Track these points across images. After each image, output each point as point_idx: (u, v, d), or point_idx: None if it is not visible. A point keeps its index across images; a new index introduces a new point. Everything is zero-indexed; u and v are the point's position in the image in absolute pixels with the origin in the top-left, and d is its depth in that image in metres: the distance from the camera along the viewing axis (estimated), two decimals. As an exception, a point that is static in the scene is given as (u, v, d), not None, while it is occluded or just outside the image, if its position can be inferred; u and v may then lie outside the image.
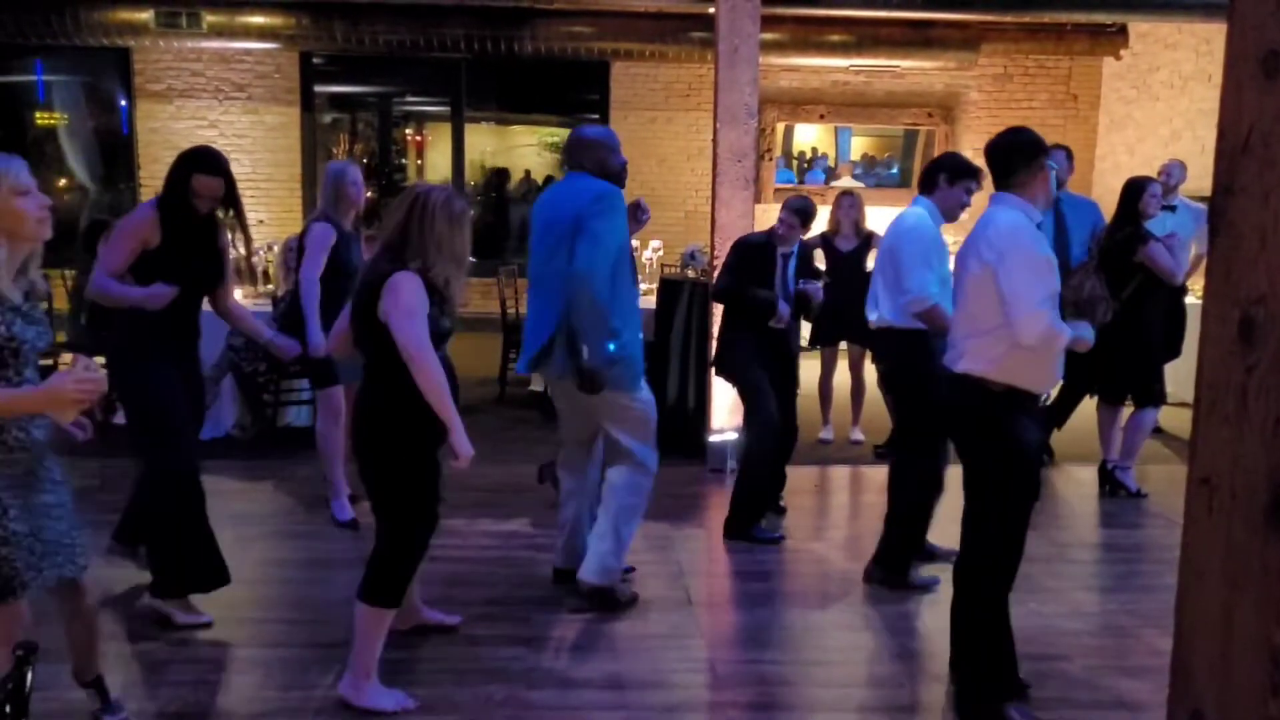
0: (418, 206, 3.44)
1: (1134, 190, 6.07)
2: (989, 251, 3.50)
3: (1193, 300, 7.00)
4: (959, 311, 3.72)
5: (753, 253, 5.41)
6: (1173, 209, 6.91)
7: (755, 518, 5.43)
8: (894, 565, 4.83)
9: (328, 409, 5.39)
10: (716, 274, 5.68)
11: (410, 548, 3.62)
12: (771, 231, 5.46)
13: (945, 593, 4.74)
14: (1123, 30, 10.84)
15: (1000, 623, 3.65)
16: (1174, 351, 6.57)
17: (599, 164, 4.33)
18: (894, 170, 11.93)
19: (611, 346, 4.18)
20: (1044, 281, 3.45)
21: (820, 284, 5.55)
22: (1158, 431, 7.44)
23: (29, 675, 1.66)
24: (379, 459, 3.52)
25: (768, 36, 8.70)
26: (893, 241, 4.81)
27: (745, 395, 5.42)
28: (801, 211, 5.40)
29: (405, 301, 3.35)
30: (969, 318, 3.62)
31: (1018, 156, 3.64)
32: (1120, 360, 6.09)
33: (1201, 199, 7.19)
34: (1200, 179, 7.57)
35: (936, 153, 11.45)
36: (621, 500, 4.45)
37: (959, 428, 3.71)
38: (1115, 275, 5.99)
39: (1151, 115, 10.51)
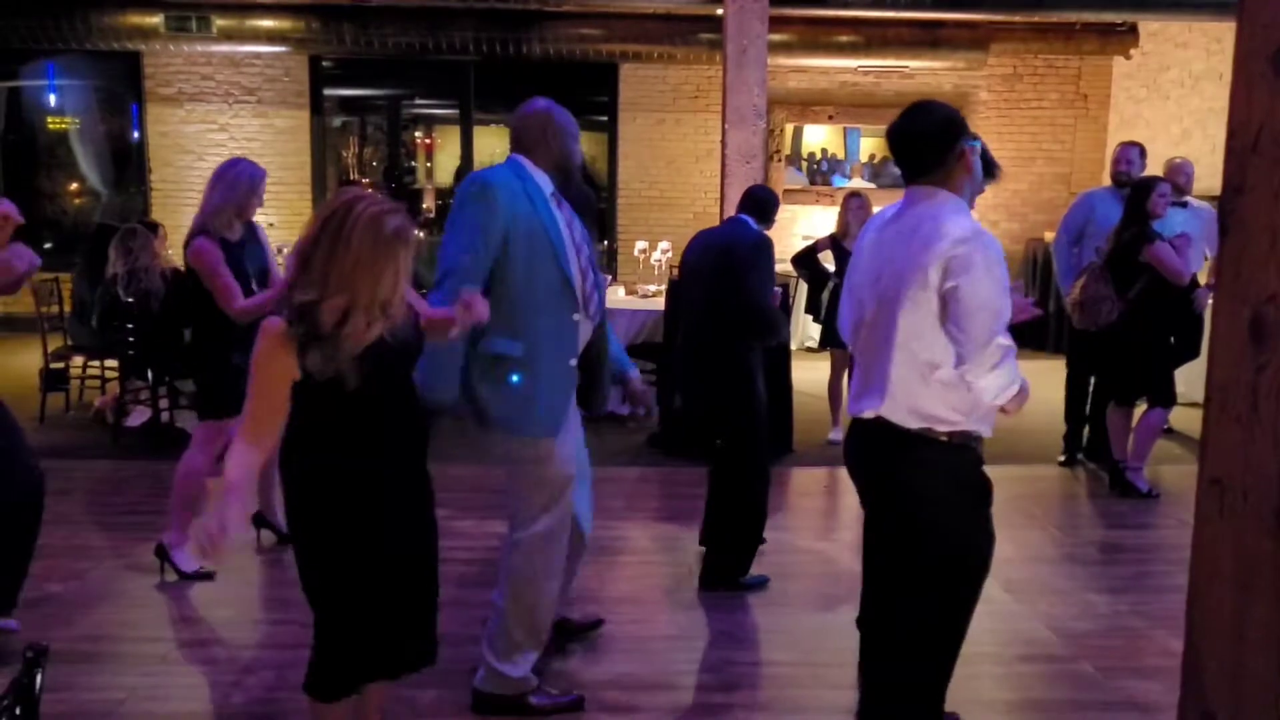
0: (332, 224, 2.63)
1: (1142, 190, 6.05)
2: (927, 264, 2.69)
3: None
4: (879, 344, 2.85)
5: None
6: (1184, 205, 6.88)
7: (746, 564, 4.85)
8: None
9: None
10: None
11: (344, 637, 2.89)
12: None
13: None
14: (1133, 29, 10.81)
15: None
16: (1194, 351, 6.54)
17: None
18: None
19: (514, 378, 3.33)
20: (1001, 300, 2.70)
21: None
22: (1169, 431, 7.41)
23: (39, 677, 1.67)
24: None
25: (776, 37, 8.68)
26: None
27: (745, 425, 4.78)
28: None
29: (252, 358, 2.66)
30: (903, 349, 2.78)
31: (934, 144, 2.85)
32: (1129, 360, 6.08)
33: (1212, 199, 7.19)
34: (1211, 178, 7.55)
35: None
36: (506, 584, 3.52)
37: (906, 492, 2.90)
38: (1122, 275, 6.00)
39: (1162, 114, 10.48)
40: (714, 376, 4.65)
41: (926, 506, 2.86)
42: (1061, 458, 6.86)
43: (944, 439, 2.83)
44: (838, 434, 7.32)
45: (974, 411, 2.82)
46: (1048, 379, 8.13)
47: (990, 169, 2.98)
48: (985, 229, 2.81)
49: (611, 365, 3.72)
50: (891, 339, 2.78)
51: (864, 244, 3.01)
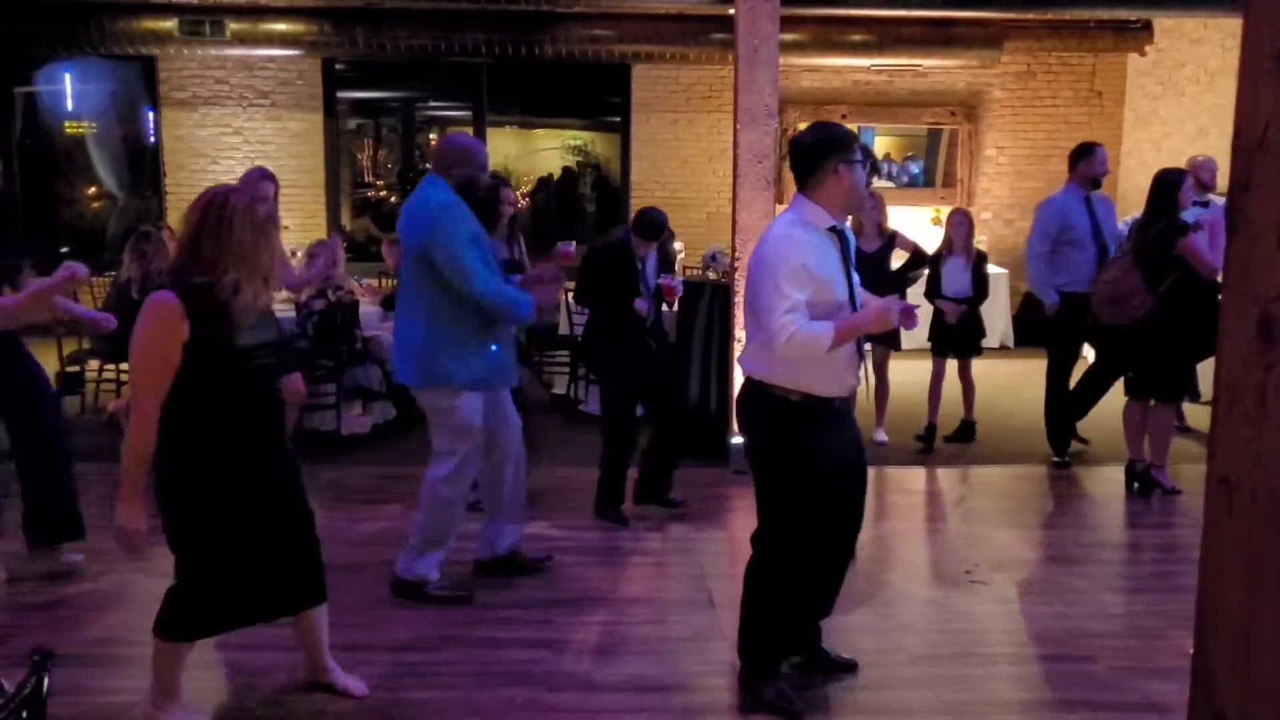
0: (212, 212, 3.12)
1: (1171, 183, 5.97)
2: (754, 259, 3.51)
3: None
4: (746, 314, 3.73)
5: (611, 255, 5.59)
6: (1205, 204, 6.84)
7: (613, 499, 5.61)
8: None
9: None
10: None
11: (199, 584, 3.32)
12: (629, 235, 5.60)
13: (969, 596, 4.73)
14: (1147, 26, 10.75)
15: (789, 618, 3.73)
16: (1211, 348, 6.48)
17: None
18: (916, 170, 11.87)
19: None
20: (795, 291, 3.37)
21: (679, 278, 5.60)
22: (1187, 430, 7.37)
23: (45, 680, 1.67)
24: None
25: (788, 37, 8.68)
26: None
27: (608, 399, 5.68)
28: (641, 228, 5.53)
29: (137, 335, 3.10)
30: (752, 321, 3.61)
31: (811, 156, 3.49)
32: (1152, 355, 6.01)
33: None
34: (1226, 175, 7.50)
35: (959, 152, 11.43)
36: (422, 510, 4.51)
37: (756, 434, 3.66)
38: (1152, 269, 5.91)
39: (1177, 111, 10.42)
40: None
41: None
42: (1056, 459, 6.77)
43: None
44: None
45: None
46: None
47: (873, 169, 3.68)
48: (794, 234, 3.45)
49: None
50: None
51: None
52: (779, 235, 3.46)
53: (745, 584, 3.74)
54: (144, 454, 3.11)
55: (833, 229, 3.55)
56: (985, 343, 10.50)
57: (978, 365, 7.40)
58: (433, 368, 4.30)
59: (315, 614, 3.63)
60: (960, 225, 7.09)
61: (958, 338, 7.11)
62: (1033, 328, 7.01)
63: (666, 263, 5.76)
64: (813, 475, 3.53)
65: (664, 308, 5.89)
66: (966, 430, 7.32)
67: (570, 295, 5.76)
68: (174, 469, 3.18)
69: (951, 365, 7.23)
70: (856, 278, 3.77)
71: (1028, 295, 7.08)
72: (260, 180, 5.50)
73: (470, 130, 11.94)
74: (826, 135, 3.52)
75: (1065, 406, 6.78)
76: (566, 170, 14.14)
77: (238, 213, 3.10)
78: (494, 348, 4.36)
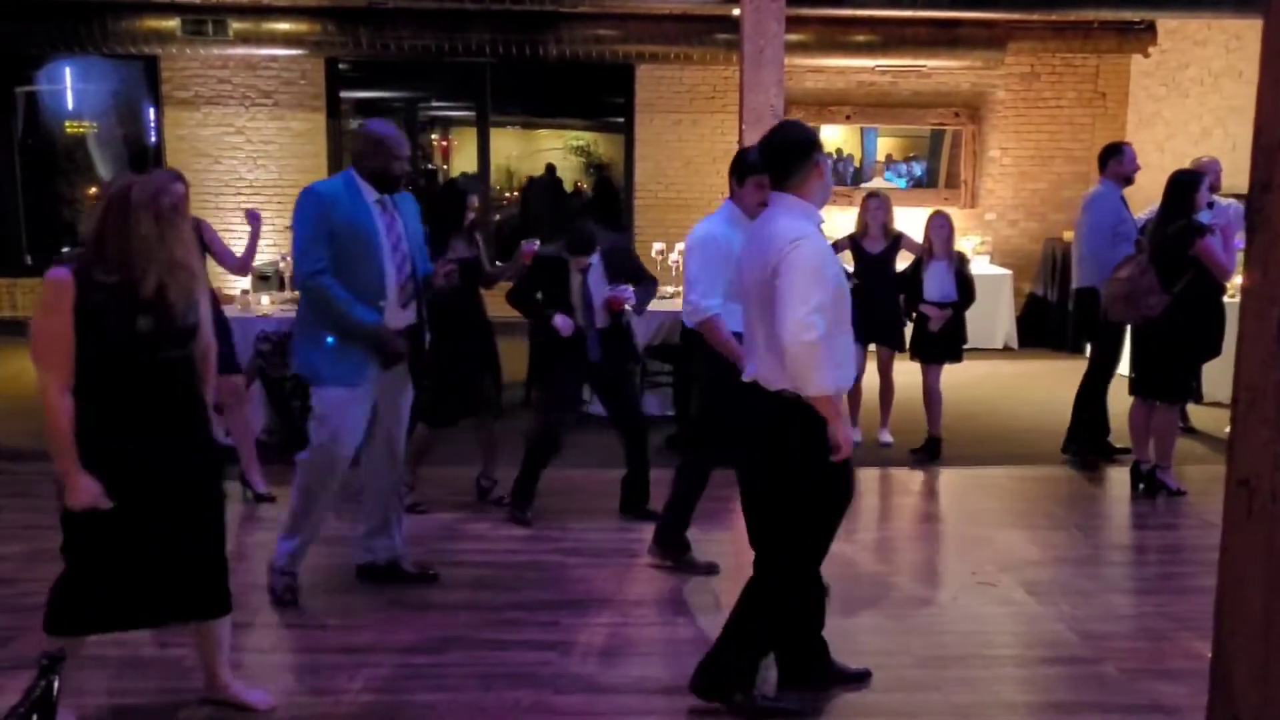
0: (115, 210, 3.06)
1: (1189, 184, 5.96)
2: (775, 258, 3.37)
3: (1229, 300, 6.86)
4: (754, 321, 3.56)
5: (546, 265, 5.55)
6: (1210, 205, 6.83)
7: (520, 502, 5.59)
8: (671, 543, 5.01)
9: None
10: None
11: (74, 575, 3.25)
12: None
13: (976, 598, 4.72)
14: (1151, 27, 10.73)
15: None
16: (1215, 350, 6.46)
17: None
18: (919, 171, 11.85)
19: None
20: (818, 290, 3.32)
21: (629, 288, 5.49)
22: (1193, 431, 7.35)
23: (55, 683, 1.66)
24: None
25: (793, 37, 8.65)
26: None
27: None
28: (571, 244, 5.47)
29: (34, 312, 3.13)
30: (767, 326, 3.45)
31: (793, 154, 3.50)
32: (1160, 355, 5.99)
33: (1235, 196, 7.12)
34: (1231, 176, 7.48)
35: (963, 153, 11.41)
36: (294, 490, 4.48)
37: (771, 441, 3.52)
38: (1168, 269, 5.89)
39: (1181, 112, 10.40)
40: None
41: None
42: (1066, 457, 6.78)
43: None
44: (856, 435, 7.27)
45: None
46: (1062, 379, 8.08)
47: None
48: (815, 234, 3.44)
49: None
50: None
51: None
52: (798, 233, 3.37)
53: (750, 612, 3.63)
54: (62, 432, 3.08)
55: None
56: (988, 344, 10.62)
57: (981, 366, 7.37)
58: (298, 355, 4.47)
59: (212, 626, 3.49)
60: (941, 229, 6.87)
61: (940, 343, 6.89)
62: (1085, 325, 6.94)
63: (629, 274, 5.67)
64: (832, 473, 3.51)
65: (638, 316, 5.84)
66: (933, 447, 6.93)
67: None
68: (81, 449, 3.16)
69: (914, 372, 7.00)
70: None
71: (1032, 296, 7.05)
72: (172, 183, 5.52)
73: (474, 130, 11.94)
74: (805, 131, 3.58)
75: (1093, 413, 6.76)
76: (550, 167, 14.11)
77: (140, 207, 3.05)
78: (329, 340, 4.26)
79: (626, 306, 5.48)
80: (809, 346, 3.28)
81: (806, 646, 3.83)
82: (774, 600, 3.62)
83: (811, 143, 3.54)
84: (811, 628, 3.83)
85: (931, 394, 6.93)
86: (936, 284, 6.86)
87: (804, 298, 3.29)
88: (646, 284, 5.69)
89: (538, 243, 5.77)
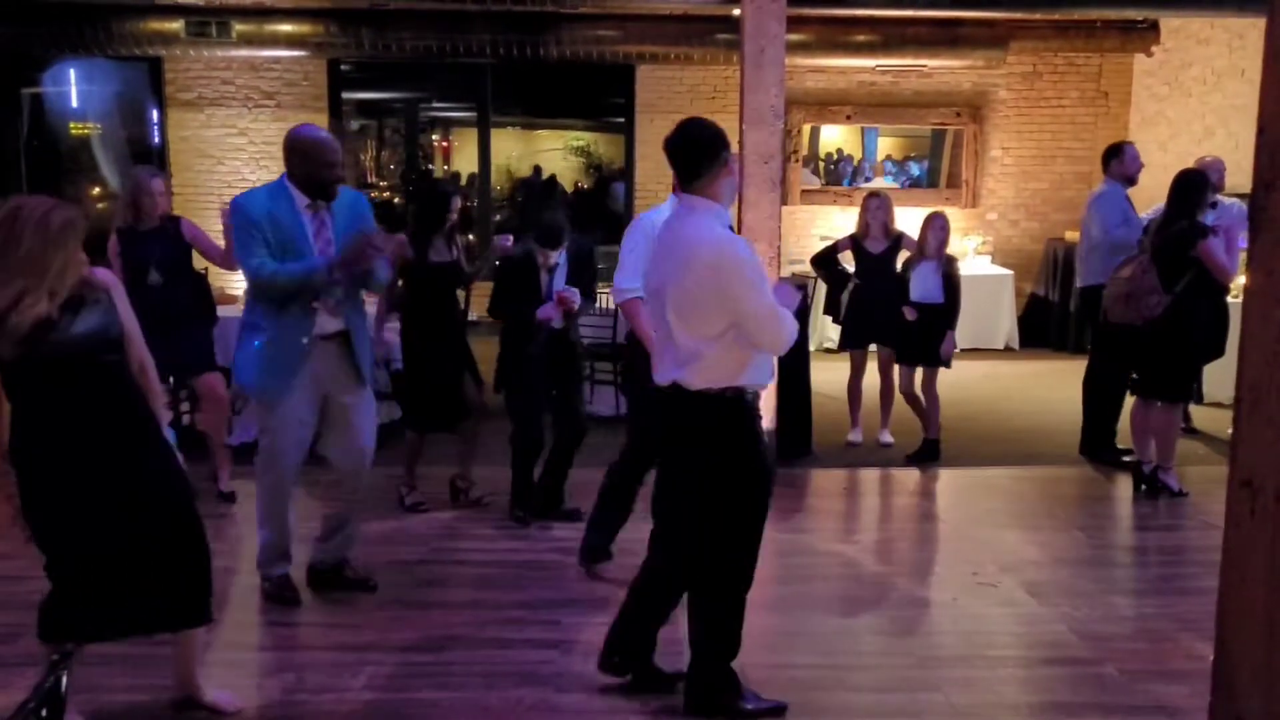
0: (4, 224, 3.07)
1: (1194, 184, 5.95)
2: (699, 270, 3.34)
3: (1232, 300, 6.85)
4: (668, 324, 3.51)
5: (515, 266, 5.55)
6: (1213, 206, 6.83)
7: (520, 502, 5.61)
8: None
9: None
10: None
11: (55, 588, 3.31)
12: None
13: (977, 599, 4.72)
14: (1154, 26, 10.72)
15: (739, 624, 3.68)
16: (1218, 351, 6.46)
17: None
18: (919, 171, 11.85)
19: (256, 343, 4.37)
20: (765, 281, 3.40)
21: (576, 291, 5.49)
22: (1193, 431, 7.35)
23: (65, 679, 1.67)
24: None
25: (794, 37, 8.64)
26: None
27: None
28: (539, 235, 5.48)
29: None
30: (687, 329, 3.43)
31: (704, 153, 3.44)
32: (1162, 355, 5.99)
33: (1238, 196, 7.12)
34: (1234, 175, 7.47)
35: (964, 152, 11.41)
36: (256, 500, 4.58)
37: (692, 441, 3.54)
38: (1169, 269, 5.88)
39: (1184, 112, 10.39)
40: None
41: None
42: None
43: None
44: (857, 435, 7.28)
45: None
46: (1064, 379, 8.08)
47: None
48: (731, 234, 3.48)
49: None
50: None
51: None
52: (724, 238, 3.41)
53: (702, 616, 3.64)
54: None
55: None
56: (989, 344, 10.62)
57: (982, 366, 7.36)
58: (235, 367, 4.54)
59: (189, 636, 3.51)
60: (940, 230, 6.78)
61: (922, 345, 6.79)
62: (1089, 324, 6.92)
63: (586, 280, 5.65)
64: (769, 468, 3.62)
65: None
66: (928, 449, 6.87)
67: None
68: (13, 467, 3.21)
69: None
70: None
71: (1033, 296, 7.05)
72: (150, 179, 5.92)
73: (475, 131, 11.95)
74: (715, 130, 3.49)
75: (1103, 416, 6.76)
76: (536, 169, 14.10)
77: (30, 225, 3.05)
78: (256, 344, 4.34)
79: (574, 307, 5.46)
80: (786, 329, 3.39)
81: (641, 635, 3.79)
82: (726, 602, 3.63)
83: (722, 141, 3.48)
84: (654, 620, 3.78)
85: (926, 396, 6.87)
86: (921, 284, 6.79)
87: (760, 290, 3.33)
88: (588, 298, 5.70)
89: (511, 238, 5.81)
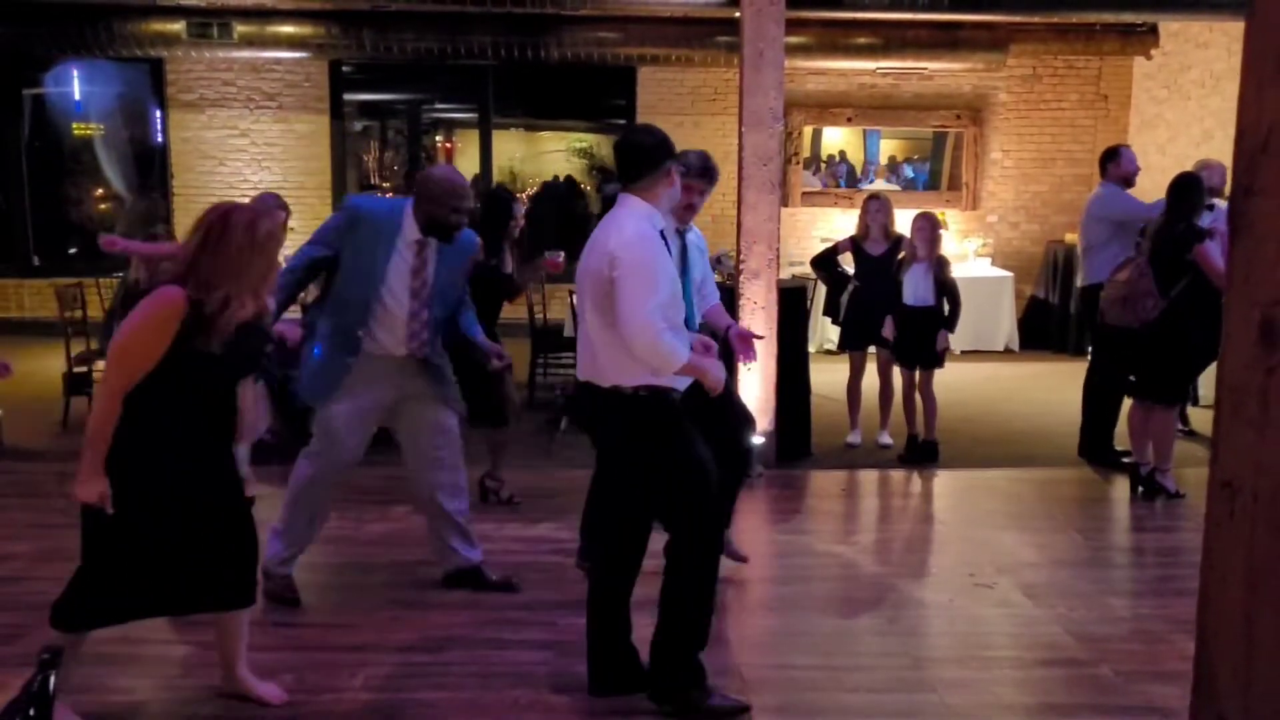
0: (213, 233, 3.21)
1: (1190, 186, 5.97)
2: (608, 258, 3.44)
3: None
4: (584, 315, 3.62)
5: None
6: (1210, 208, 6.85)
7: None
8: None
9: None
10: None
11: (92, 569, 3.32)
12: None
13: (974, 600, 4.74)
14: (1153, 29, 10.74)
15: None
16: (1214, 354, 6.47)
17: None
18: (913, 173, 11.86)
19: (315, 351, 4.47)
20: (656, 292, 3.40)
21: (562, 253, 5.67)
22: (1191, 434, 7.36)
23: (52, 679, 1.69)
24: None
25: (793, 40, 8.67)
26: None
27: None
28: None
29: (133, 318, 3.22)
30: (590, 319, 3.55)
31: (644, 160, 3.54)
32: (1159, 358, 6.00)
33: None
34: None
35: (965, 155, 11.43)
36: (285, 496, 4.59)
37: (612, 441, 3.66)
38: (1166, 272, 5.90)
39: (1183, 115, 10.41)
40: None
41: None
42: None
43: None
44: (856, 437, 7.30)
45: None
46: (1064, 381, 8.10)
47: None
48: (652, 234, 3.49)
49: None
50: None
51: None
52: (640, 234, 3.46)
53: (674, 605, 3.63)
54: (104, 431, 3.18)
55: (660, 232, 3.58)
56: (989, 346, 10.63)
57: (982, 368, 7.38)
58: (300, 375, 4.68)
59: (235, 618, 3.58)
60: (920, 230, 6.76)
61: (915, 347, 6.82)
62: (1090, 324, 6.92)
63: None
64: (703, 458, 3.60)
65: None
66: (927, 451, 6.88)
67: None
68: (121, 452, 3.22)
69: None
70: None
71: (1033, 299, 7.07)
72: (274, 209, 5.77)
73: (476, 133, 11.97)
74: (663, 137, 3.59)
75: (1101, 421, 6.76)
76: (555, 178, 14.07)
77: (237, 230, 3.19)
78: (315, 352, 4.45)
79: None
80: (653, 344, 3.38)
81: (617, 651, 3.79)
82: (691, 593, 3.63)
83: (664, 151, 3.56)
84: (620, 634, 3.79)
85: (924, 397, 6.88)
86: (912, 287, 6.80)
87: (643, 298, 3.37)
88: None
89: (562, 254, 5.81)
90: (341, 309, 4.36)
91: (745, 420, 4.84)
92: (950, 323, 6.77)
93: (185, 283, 3.19)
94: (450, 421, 4.58)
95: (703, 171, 4.53)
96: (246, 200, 5.76)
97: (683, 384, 3.61)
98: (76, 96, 11.92)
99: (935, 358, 6.82)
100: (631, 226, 3.47)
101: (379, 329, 4.34)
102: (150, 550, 3.30)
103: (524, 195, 13.73)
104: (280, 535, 4.54)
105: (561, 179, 14.00)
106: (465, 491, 4.69)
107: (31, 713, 1.63)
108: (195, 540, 3.34)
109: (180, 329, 3.17)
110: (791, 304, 6.82)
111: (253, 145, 11.31)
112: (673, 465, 3.55)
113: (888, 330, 6.80)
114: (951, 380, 7.09)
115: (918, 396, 6.88)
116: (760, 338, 4.02)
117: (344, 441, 4.42)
